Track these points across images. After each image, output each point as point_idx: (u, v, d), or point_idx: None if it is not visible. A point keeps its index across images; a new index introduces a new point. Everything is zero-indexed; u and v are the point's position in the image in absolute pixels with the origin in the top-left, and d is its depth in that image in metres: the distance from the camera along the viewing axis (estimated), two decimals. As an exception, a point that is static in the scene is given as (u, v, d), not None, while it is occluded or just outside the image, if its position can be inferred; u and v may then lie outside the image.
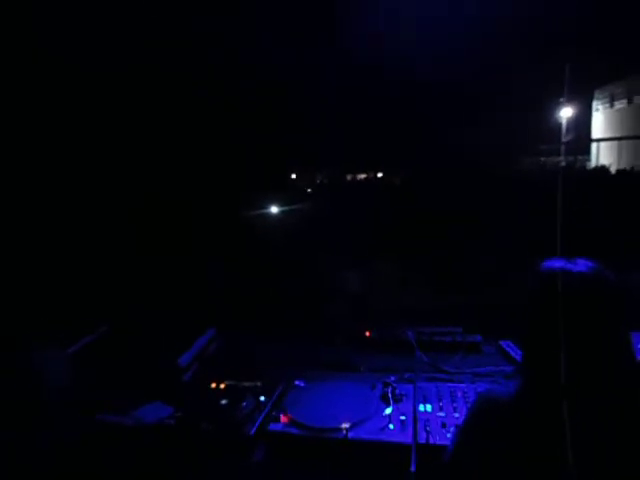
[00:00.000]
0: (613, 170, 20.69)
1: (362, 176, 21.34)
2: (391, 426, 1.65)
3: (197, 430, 1.74)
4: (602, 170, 20.84)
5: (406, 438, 1.58)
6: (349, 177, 20.88)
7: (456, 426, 1.55)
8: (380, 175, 20.81)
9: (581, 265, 1.13)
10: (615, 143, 25.08)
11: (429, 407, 1.75)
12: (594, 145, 27.98)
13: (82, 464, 1.69)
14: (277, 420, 1.73)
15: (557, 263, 1.15)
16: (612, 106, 27.11)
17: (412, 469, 1.50)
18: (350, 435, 1.61)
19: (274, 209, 8.97)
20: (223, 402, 1.88)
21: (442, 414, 1.70)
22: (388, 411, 1.73)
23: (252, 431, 1.68)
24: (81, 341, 2.47)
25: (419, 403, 1.77)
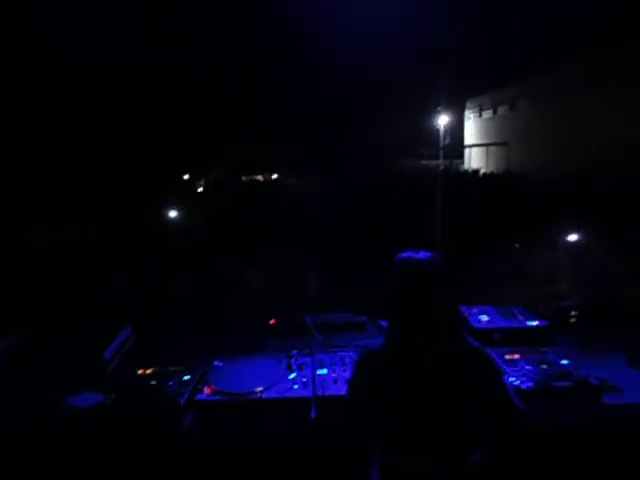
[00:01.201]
0: (481, 173, 23.34)
1: (258, 177, 21.69)
2: (295, 386, 2.11)
3: (132, 407, 2.04)
4: (474, 172, 23.46)
5: (307, 393, 2.04)
6: (244, 178, 21.11)
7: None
8: (275, 177, 21.32)
9: (421, 254, 1.65)
10: (483, 149, 28.08)
11: (325, 371, 2.23)
12: (466, 150, 31.01)
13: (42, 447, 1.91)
14: (202, 391, 2.09)
15: (406, 254, 1.66)
16: (481, 115, 30.30)
17: (313, 415, 1.97)
18: (264, 395, 2.03)
19: (172, 212, 9.01)
20: (152, 383, 2.19)
21: (334, 375, 2.19)
22: (292, 376, 2.19)
23: (182, 402, 2.02)
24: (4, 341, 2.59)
25: (317, 369, 2.25)
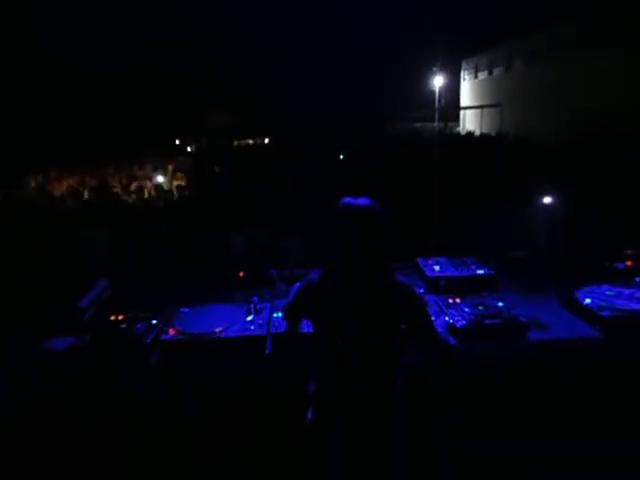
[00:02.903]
0: (477, 134, 23.26)
1: (249, 142, 21.55)
2: (252, 327, 2.32)
3: (102, 347, 2.25)
4: (470, 134, 23.41)
5: (262, 331, 2.25)
6: (236, 143, 20.97)
7: None
8: (267, 141, 21.17)
9: (361, 200, 1.80)
10: (478, 111, 27.78)
11: (280, 314, 2.42)
12: (461, 112, 30.65)
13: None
14: (167, 332, 2.30)
15: (346, 200, 1.81)
16: (476, 77, 29.83)
17: (268, 351, 2.18)
18: (223, 335, 2.24)
19: (159, 177, 9.10)
20: (122, 326, 2.39)
21: (289, 317, 2.38)
22: (249, 318, 2.39)
23: (148, 340, 2.23)
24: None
25: (274, 313, 2.45)
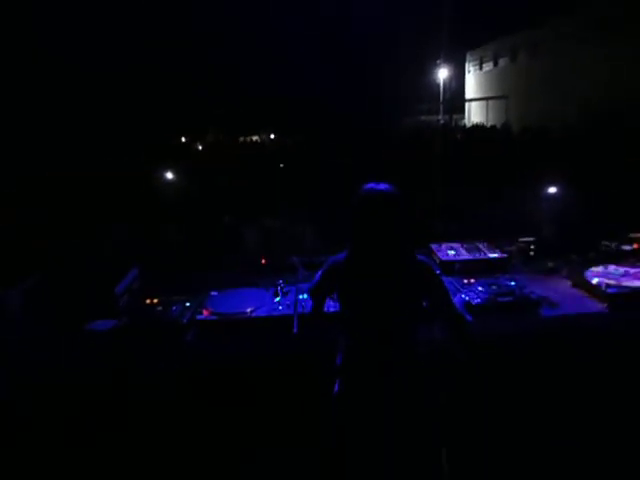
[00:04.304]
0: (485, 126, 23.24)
1: (255, 138, 21.70)
2: (280, 307, 2.48)
3: (142, 327, 2.42)
4: (477, 127, 23.42)
5: (290, 311, 2.41)
6: (242, 139, 21.12)
7: None
8: (273, 137, 21.31)
9: (382, 186, 1.95)
10: (484, 102, 27.73)
11: (305, 296, 2.59)
12: (467, 104, 30.59)
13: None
14: (201, 313, 2.46)
15: (369, 185, 1.96)
16: (481, 68, 29.73)
17: (294, 330, 2.34)
18: (253, 315, 2.40)
19: (169, 174, 9.29)
20: (159, 308, 2.56)
21: (313, 298, 2.54)
22: (277, 299, 2.55)
23: (185, 320, 2.40)
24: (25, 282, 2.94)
25: (299, 294, 2.61)
